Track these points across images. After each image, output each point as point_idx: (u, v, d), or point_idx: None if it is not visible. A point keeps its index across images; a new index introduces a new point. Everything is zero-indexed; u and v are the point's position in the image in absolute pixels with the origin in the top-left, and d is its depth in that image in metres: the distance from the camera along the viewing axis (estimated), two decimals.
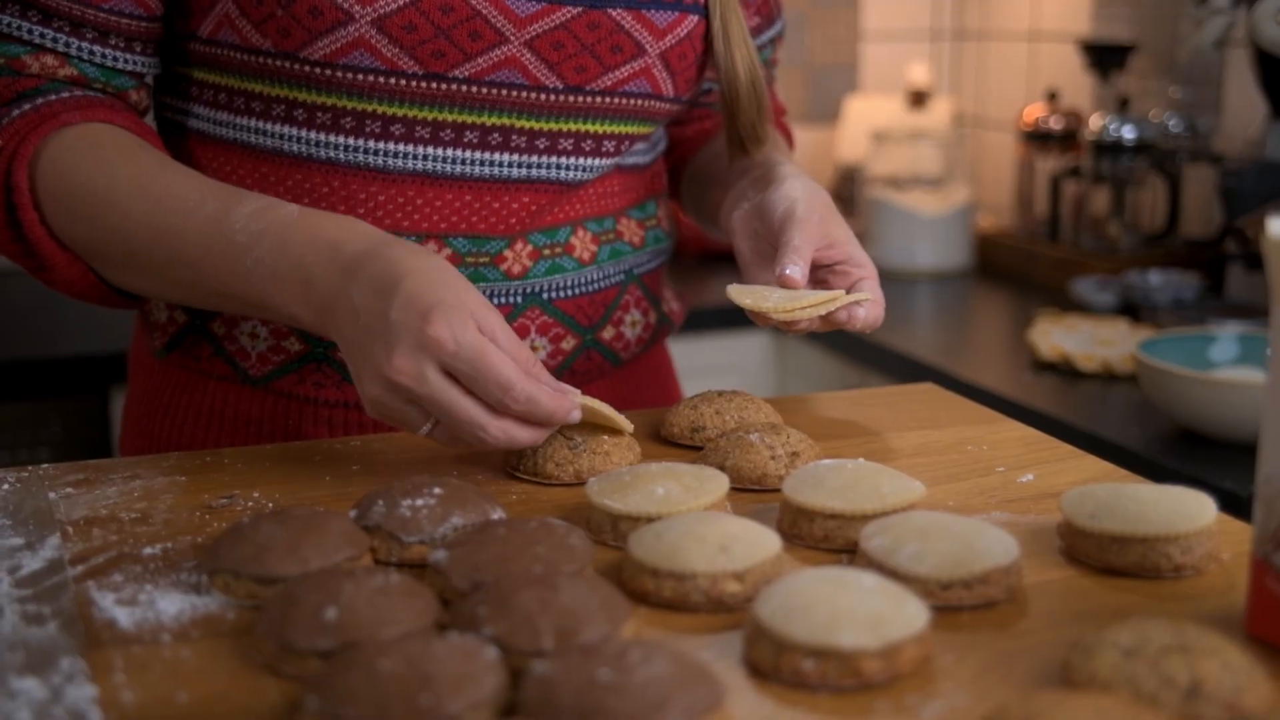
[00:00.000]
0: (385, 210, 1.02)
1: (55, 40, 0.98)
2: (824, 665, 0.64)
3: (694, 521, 0.75)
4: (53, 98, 0.98)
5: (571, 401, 0.87)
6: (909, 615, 0.66)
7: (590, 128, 1.05)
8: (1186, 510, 0.78)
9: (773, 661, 0.65)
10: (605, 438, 0.92)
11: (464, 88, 0.99)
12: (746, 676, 0.66)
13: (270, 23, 0.97)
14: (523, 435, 0.87)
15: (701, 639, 0.70)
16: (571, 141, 1.04)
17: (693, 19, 1.05)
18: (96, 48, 0.99)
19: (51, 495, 0.89)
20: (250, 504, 0.89)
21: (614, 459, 0.92)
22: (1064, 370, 1.91)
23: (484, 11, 0.98)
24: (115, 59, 1.00)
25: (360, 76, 0.98)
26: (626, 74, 1.03)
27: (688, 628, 0.71)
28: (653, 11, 1.02)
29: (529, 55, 0.99)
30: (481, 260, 1.04)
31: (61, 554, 0.80)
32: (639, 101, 1.05)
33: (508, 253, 1.05)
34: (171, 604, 0.74)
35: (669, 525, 0.75)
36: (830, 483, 0.82)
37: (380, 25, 0.96)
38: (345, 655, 0.61)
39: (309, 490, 0.91)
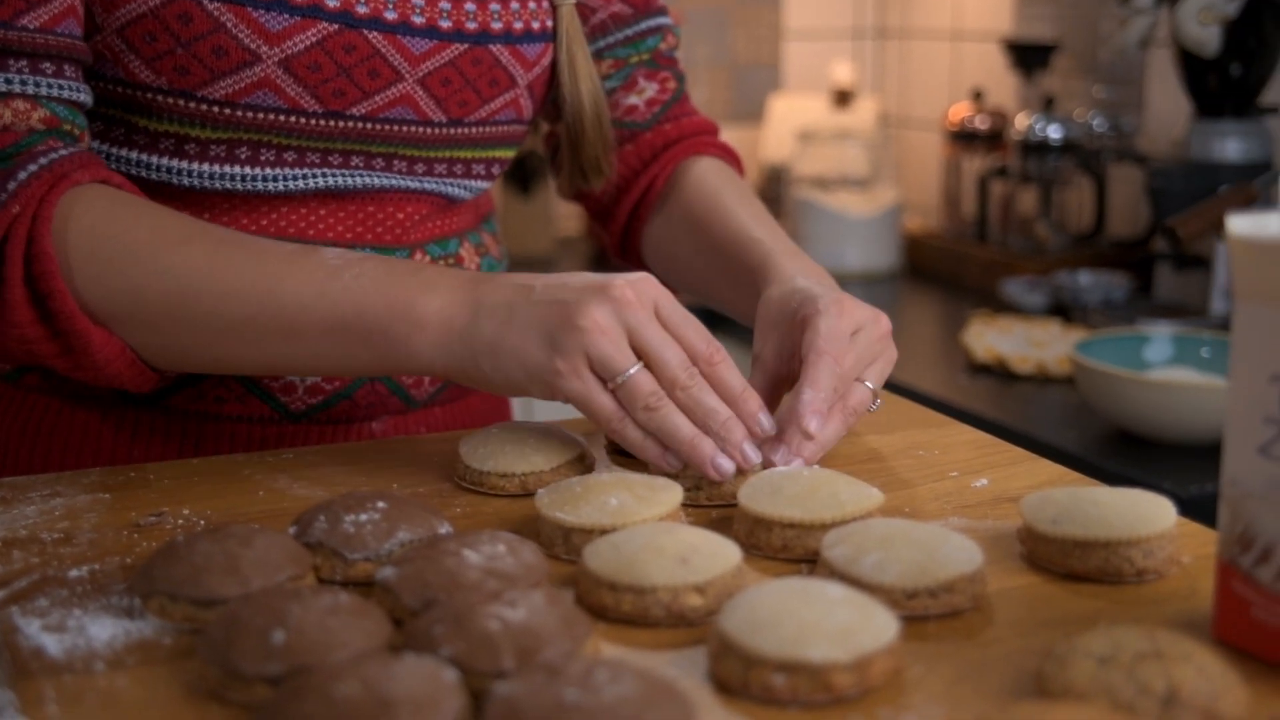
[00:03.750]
0: (289, 221, 1.01)
1: (23, 83, 0.90)
2: (794, 680, 0.62)
3: (651, 533, 0.73)
4: (54, 156, 0.90)
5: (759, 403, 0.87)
6: (878, 626, 0.64)
7: (465, 154, 1.07)
8: (1146, 514, 0.77)
9: (741, 677, 0.63)
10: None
11: (359, 124, 1.00)
12: (713, 693, 0.64)
13: (165, 60, 0.94)
14: (684, 427, 0.85)
15: (664, 655, 0.67)
16: (445, 166, 1.06)
17: (551, 48, 1.08)
18: (57, 80, 0.91)
19: None
20: (180, 521, 0.85)
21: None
22: (999, 372, 1.92)
23: (383, 50, 0.98)
24: (75, 90, 0.92)
25: (260, 115, 0.96)
26: (499, 105, 1.05)
27: (648, 643, 0.69)
28: (525, 45, 1.05)
29: (421, 92, 1.01)
30: None
31: None
32: (506, 128, 1.08)
33: None
34: (103, 629, 0.70)
35: (626, 537, 0.73)
36: (787, 490, 0.80)
37: (286, 65, 0.95)
38: (297, 680, 0.58)
39: (242, 506, 0.88)
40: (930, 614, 0.71)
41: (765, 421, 0.87)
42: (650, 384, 0.84)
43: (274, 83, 0.95)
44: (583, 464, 0.91)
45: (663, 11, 1.19)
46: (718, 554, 0.72)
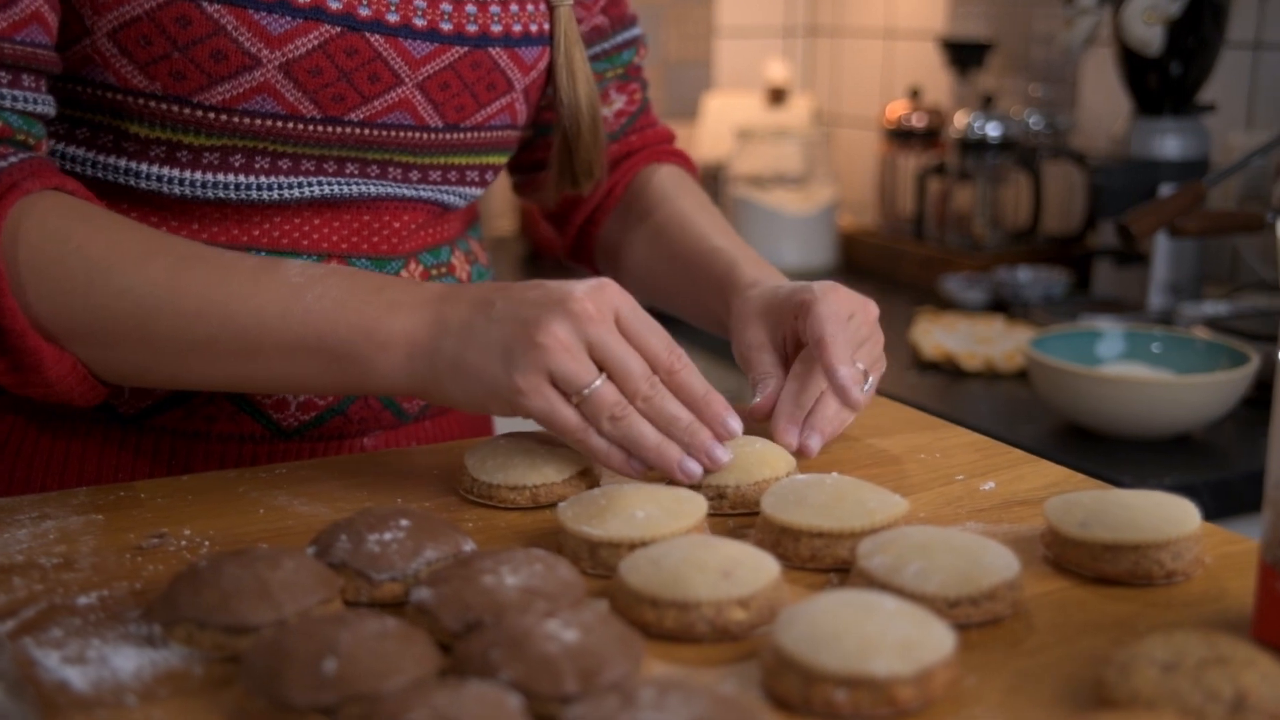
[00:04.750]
0: (283, 231, 0.98)
1: None
2: (856, 695, 0.61)
3: (689, 547, 0.72)
4: (2, 165, 0.86)
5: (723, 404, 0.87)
6: (938, 638, 0.63)
7: (459, 160, 1.05)
8: (1173, 515, 0.78)
9: (802, 693, 0.62)
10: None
11: (357, 130, 0.97)
12: (773, 709, 0.63)
13: (161, 65, 0.90)
14: (649, 435, 0.84)
15: (715, 671, 0.66)
16: (439, 173, 1.04)
17: (548, 52, 1.07)
18: (11, 91, 0.87)
19: None
20: (183, 543, 0.82)
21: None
22: (947, 369, 1.93)
23: (384, 54, 0.96)
24: (32, 100, 0.88)
25: (257, 121, 0.93)
26: (495, 110, 1.04)
27: (693, 659, 0.68)
28: (523, 49, 1.03)
29: (419, 96, 0.99)
30: None
31: None
32: (501, 134, 1.06)
33: (404, 273, 1.03)
34: (127, 660, 0.67)
35: (664, 551, 0.72)
36: (812, 499, 0.80)
37: (287, 70, 0.92)
38: (360, 709, 0.56)
39: (244, 526, 0.85)
40: (971, 622, 0.70)
41: (732, 423, 0.87)
42: (614, 395, 0.83)
43: (273, 88, 0.92)
44: (592, 474, 0.90)
45: (634, 22, 1.19)
46: (758, 567, 0.71)
